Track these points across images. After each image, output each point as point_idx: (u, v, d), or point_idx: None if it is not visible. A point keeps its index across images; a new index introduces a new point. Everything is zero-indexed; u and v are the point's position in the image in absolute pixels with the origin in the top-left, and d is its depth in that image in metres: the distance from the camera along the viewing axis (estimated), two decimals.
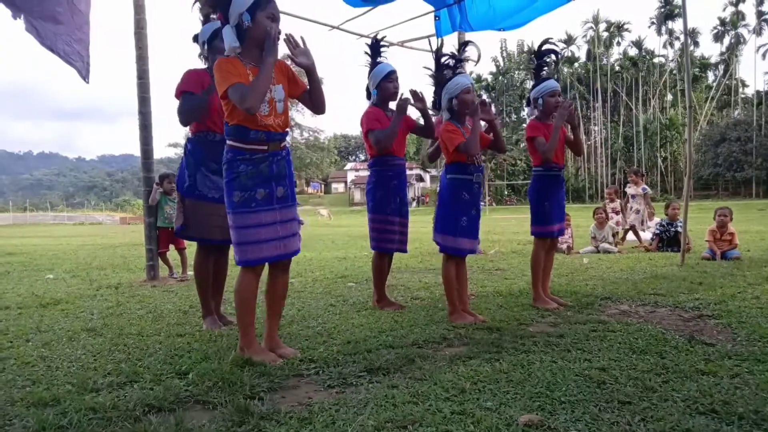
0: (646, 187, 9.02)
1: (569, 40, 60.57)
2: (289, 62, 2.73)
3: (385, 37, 4.00)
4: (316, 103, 2.72)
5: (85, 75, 4.55)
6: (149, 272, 5.70)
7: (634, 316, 3.47)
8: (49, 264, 7.72)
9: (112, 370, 2.43)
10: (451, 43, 8.41)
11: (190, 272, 6.14)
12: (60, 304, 4.22)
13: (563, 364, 2.42)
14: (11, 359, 2.67)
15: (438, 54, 3.55)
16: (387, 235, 3.83)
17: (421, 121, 3.91)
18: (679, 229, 7.44)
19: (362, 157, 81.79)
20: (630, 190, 9.03)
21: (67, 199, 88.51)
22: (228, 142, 2.57)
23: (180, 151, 59.16)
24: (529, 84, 64.30)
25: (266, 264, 2.66)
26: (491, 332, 3.06)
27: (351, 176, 69.86)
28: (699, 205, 27.34)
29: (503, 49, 62.61)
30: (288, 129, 2.67)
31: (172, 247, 6.14)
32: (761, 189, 49.01)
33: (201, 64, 3.43)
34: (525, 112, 3.99)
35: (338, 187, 73.64)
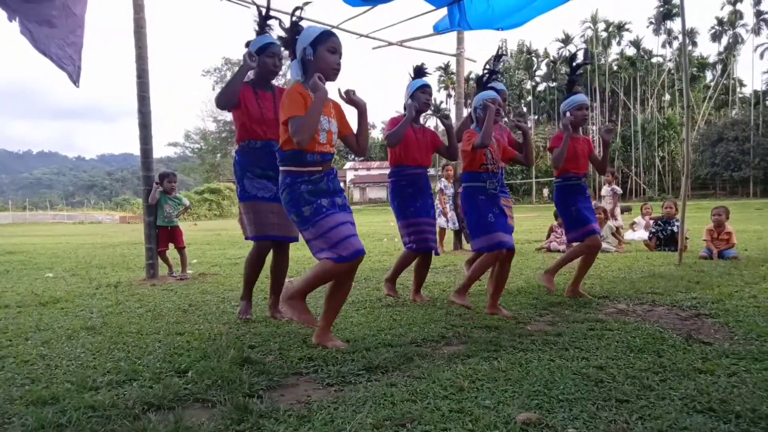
0: (616, 187, 9.24)
1: (567, 40, 60.61)
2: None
3: (424, 64, 4.15)
4: (362, 145, 2.95)
5: (75, 79, 4.57)
6: (149, 271, 5.70)
7: (631, 314, 3.49)
8: (48, 263, 7.71)
9: (112, 369, 2.43)
10: (450, 43, 8.39)
11: (190, 271, 6.16)
12: (59, 303, 4.22)
13: (561, 362, 2.43)
14: (10, 357, 2.67)
15: (490, 73, 3.79)
16: (415, 236, 4.04)
17: (445, 140, 4.18)
18: (676, 228, 7.46)
19: (362, 157, 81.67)
20: (603, 190, 9.25)
21: (66, 198, 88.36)
22: (283, 168, 2.76)
23: (179, 150, 59.23)
24: (529, 84, 64.55)
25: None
26: (489, 331, 3.07)
27: (350, 176, 69.82)
28: (697, 205, 27.39)
29: (503, 49, 62.54)
30: (334, 152, 2.89)
31: (171, 246, 6.14)
32: (759, 188, 49.10)
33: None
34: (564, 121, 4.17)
35: None
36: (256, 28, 3.54)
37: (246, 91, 3.44)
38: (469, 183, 3.64)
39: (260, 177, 3.43)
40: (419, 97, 3.99)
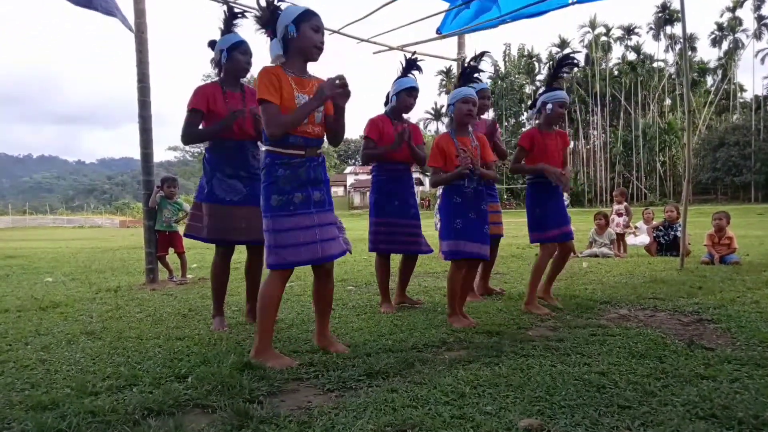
0: (626, 204, 9.37)
1: (563, 44, 60.70)
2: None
3: (415, 54, 4.10)
4: (336, 132, 2.79)
5: (129, 25, 4.84)
6: (148, 275, 5.70)
7: (633, 320, 3.47)
8: (48, 267, 7.71)
9: (112, 374, 2.42)
10: (451, 48, 8.43)
11: (190, 275, 6.15)
12: (59, 307, 4.21)
13: (563, 368, 2.42)
14: (10, 362, 2.66)
15: (469, 68, 3.66)
16: (382, 236, 3.94)
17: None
18: (678, 233, 7.45)
19: (351, 162, 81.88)
20: (615, 207, 9.30)
21: (66, 203, 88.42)
22: (266, 147, 2.65)
23: (179, 154, 59.27)
24: (528, 89, 64.64)
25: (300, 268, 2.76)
26: (491, 336, 3.06)
27: (350, 180, 69.89)
28: (698, 209, 27.37)
29: (506, 54, 62.82)
30: (323, 137, 2.77)
31: (171, 250, 6.14)
32: (760, 193, 49.06)
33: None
34: (525, 115, 4.08)
35: (338, 190, 73.56)
36: (221, 26, 3.45)
37: (214, 90, 3.35)
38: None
39: (231, 177, 3.32)
40: (405, 99, 3.86)
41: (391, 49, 7.73)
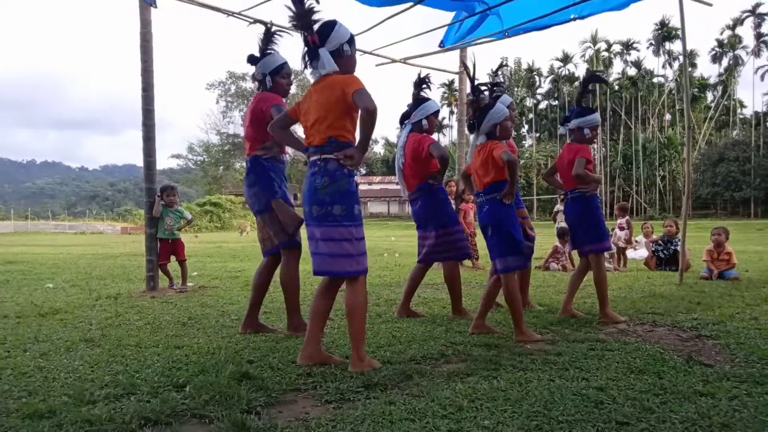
0: (628, 218, 9.38)
1: (566, 59, 61.08)
2: None
3: (429, 76, 4.25)
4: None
5: (151, 1, 4.93)
6: (149, 283, 5.70)
7: (632, 335, 3.47)
8: (49, 273, 7.70)
9: (110, 382, 2.42)
10: (453, 61, 8.49)
11: (190, 283, 6.15)
12: (59, 314, 4.21)
13: (561, 382, 2.41)
14: (8, 369, 2.66)
15: (473, 78, 3.67)
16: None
17: None
18: (677, 247, 7.45)
19: (363, 171, 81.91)
20: (618, 221, 9.36)
21: (68, 208, 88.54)
22: (333, 156, 2.66)
23: (182, 162, 59.32)
24: (529, 101, 64.92)
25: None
26: (489, 349, 3.06)
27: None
28: (697, 224, 27.37)
29: (504, 66, 62.90)
30: None
31: (173, 258, 6.13)
32: (760, 209, 49.08)
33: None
34: (561, 129, 4.24)
35: None
36: (261, 45, 3.55)
37: (280, 103, 3.45)
38: (496, 195, 3.46)
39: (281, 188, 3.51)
40: (433, 121, 4.16)
41: (393, 61, 7.78)
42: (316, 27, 2.73)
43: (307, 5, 2.71)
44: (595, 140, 4.21)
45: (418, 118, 4.11)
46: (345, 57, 2.75)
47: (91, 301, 4.95)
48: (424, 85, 4.18)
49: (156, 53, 5.72)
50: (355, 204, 2.71)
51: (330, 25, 2.74)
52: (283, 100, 3.58)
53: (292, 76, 3.64)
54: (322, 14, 2.75)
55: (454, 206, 8.46)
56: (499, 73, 4.18)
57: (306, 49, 2.74)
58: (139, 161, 5.81)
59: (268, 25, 3.65)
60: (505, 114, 3.55)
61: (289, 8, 2.73)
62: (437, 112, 4.18)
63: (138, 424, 1.96)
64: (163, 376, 2.50)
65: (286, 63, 3.53)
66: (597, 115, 4.12)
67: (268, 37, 3.55)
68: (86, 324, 3.83)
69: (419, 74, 4.20)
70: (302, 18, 2.72)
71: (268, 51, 3.56)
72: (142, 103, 5.65)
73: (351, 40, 2.78)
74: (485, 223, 3.52)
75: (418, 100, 4.16)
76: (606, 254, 8.03)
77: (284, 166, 3.59)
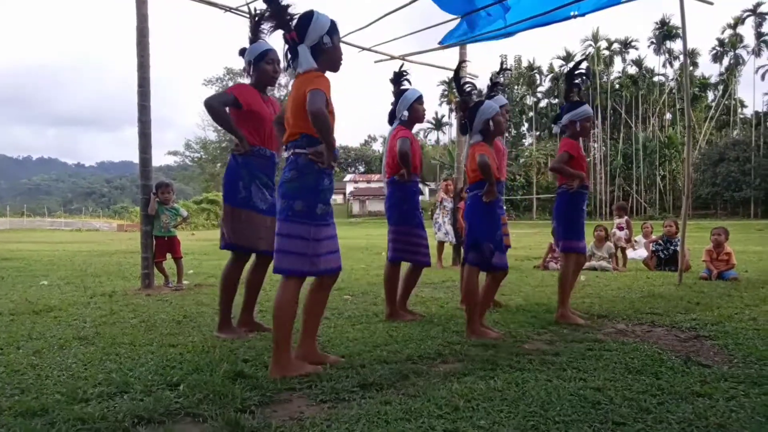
0: (627, 218, 9.34)
1: (568, 58, 61.05)
2: None
3: (403, 67, 4.17)
4: None
5: None
6: (144, 281, 5.67)
7: (630, 335, 3.46)
8: (44, 270, 7.67)
9: (103, 380, 2.40)
10: (452, 58, 8.45)
11: (186, 281, 6.12)
12: (53, 312, 4.18)
13: (558, 383, 2.40)
14: (1, 367, 2.64)
15: (458, 79, 3.64)
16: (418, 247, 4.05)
17: None
18: (677, 247, 7.44)
19: (361, 169, 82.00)
20: (616, 221, 9.35)
21: (65, 205, 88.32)
22: (304, 151, 2.57)
23: (179, 159, 59.22)
24: (529, 100, 64.91)
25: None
26: (486, 349, 3.04)
27: (350, 188, 69.91)
28: (697, 224, 27.38)
29: (503, 64, 62.95)
30: None
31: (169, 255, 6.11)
32: (760, 209, 49.14)
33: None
34: (554, 129, 4.19)
35: (337, 198, 73.64)
36: (250, 35, 3.48)
37: (255, 95, 3.41)
38: (478, 192, 3.49)
39: (264, 186, 3.40)
40: (418, 108, 4.01)
41: (392, 58, 7.76)
42: (293, 23, 2.61)
43: (282, 2, 2.60)
44: (590, 132, 4.15)
45: (401, 112, 4.01)
46: (327, 50, 2.61)
47: (86, 298, 4.92)
48: (402, 79, 4.09)
49: (153, 49, 5.69)
50: (318, 203, 2.57)
51: (307, 18, 2.59)
52: (268, 87, 3.56)
53: (279, 65, 3.49)
54: (299, 8, 2.63)
55: (451, 204, 8.48)
56: (501, 74, 4.14)
57: (287, 47, 2.63)
58: (135, 158, 5.78)
59: (254, 14, 3.60)
60: (494, 110, 3.53)
61: (271, 14, 2.65)
62: (419, 98, 4.02)
63: (131, 422, 1.94)
64: (157, 375, 2.48)
65: (271, 49, 3.44)
66: (587, 107, 4.04)
67: (257, 27, 3.47)
68: (80, 322, 3.80)
69: (395, 70, 4.11)
70: (278, 15, 2.61)
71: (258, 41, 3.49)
72: (138, 98, 5.61)
73: (332, 29, 2.62)
74: (465, 214, 3.60)
75: (398, 94, 4.07)
76: (606, 254, 8.08)
77: (267, 161, 3.44)
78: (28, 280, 6.39)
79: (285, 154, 2.67)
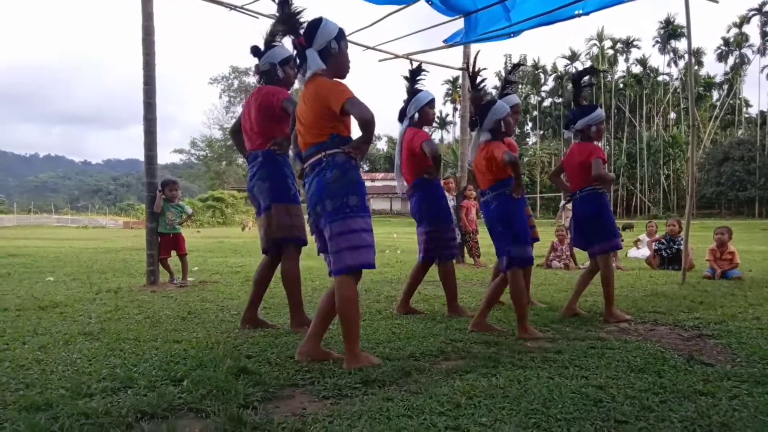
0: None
1: (573, 57, 60.90)
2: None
3: (421, 65, 4.22)
4: None
5: None
6: (149, 277, 5.70)
7: (633, 333, 3.45)
8: (50, 266, 7.72)
9: (107, 375, 2.42)
10: (457, 57, 8.46)
11: (191, 278, 6.15)
12: (59, 307, 4.21)
13: (560, 380, 2.40)
14: (6, 362, 2.66)
15: (473, 76, 3.62)
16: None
17: None
18: (680, 246, 7.42)
19: (366, 168, 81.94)
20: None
21: (71, 203, 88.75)
22: (339, 150, 2.63)
23: (185, 157, 59.37)
24: (534, 99, 64.75)
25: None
26: (489, 346, 3.05)
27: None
28: (701, 224, 27.28)
29: (507, 64, 63.06)
30: None
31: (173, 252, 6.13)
32: (764, 209, 48.93)
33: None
34: (566, 134, 4.21)
35: None
36: (267, 37, 3.50)
37: (290, 97, 3.44)
38: (505, 190, 3.46)
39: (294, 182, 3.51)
40: (428, 112, 4.06)
41: (397, 57, 7.75)
42: (303, 28, 2.69)
43: (292, 8, 2.68)
44: (602, 136, 4.18)
45: (412, 113, 4.06)
46: (334, 55, 2.68)
47: (92, 294, 4.95)
48: (418, 77, 4.12)
49: (159, 47, 5.71)
50: (366, 195, 2.71)
51: (315, 24, 2.67)
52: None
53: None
54: (309, 14, 2.71)
55: (454, 203, 8.48)
56: (514, 72, 4.15)
57: (296, 52, 2.71)
58: (141, 156, 5.80)
59: (238, 9, 3.65)
60: (506, 110, 3.53)
61: (277, 12, 2.72)
62: (431, 102, 4.08)
63: (134, 417, 1.95)
64: (161, 370, 2.49)
65: (293, 56, 3.50)
66: (600, 111, 4.08)
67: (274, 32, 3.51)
68: (86, 317, 3.83)
69: (411, 66, 4.15)
70: (288, 21, 2.70)
71: (275, 44, 3.52)
72: (143, 96, 5.63)
73: (340, 36, 2.69)
74: (493, 217, 3.50)
75: (412, 94, 4.11)
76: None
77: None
78: (34, 277, 6.43)
79: (315, 158, 2.66)
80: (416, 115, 4.04)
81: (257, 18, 6.00)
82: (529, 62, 63.93)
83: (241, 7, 5.88)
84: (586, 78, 4.15)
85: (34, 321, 3.67)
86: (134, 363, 2.63)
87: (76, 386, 2.24)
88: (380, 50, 7.47)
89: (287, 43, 3.48)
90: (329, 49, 2.66)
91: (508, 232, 3.44)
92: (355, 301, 2.65)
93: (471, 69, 3.62)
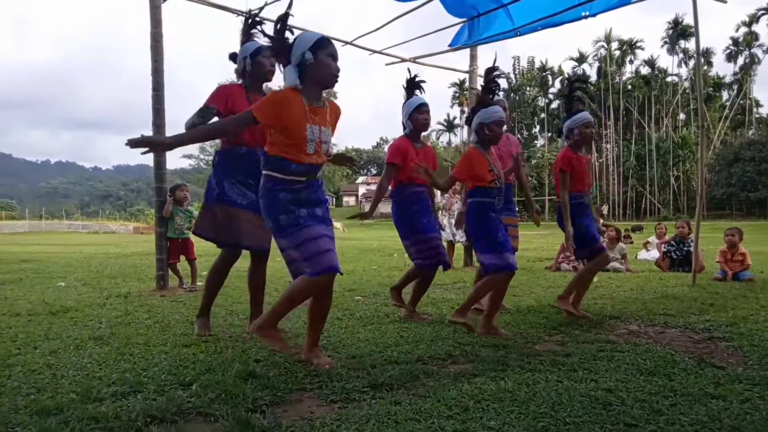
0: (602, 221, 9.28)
1: (581, 59, 60.69)
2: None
3: (417, 76, 4.14)
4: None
5: None
6: (159, 282, 5.73)
7: (643, 336, 3.43)
8: (61, 272, 7.79)
9: (117, 380, 2.43)
10: (463, 60, 8.47)
11: (200, 282, 6.17)
12: (69, 312, 4.25)
13: (569, 384, 2.39)
14: (18, 366, 2.69)
15: (488, 76, 3.61)
16: (428, 252, 4.00)
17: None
18: (690, 248, 7.36)
19: (374, 171, 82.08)
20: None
21: (82, 208, 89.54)
22: (266, 171, 2.68)
23: (194, 162, 59.75)
24: (541, 101, 64.53)
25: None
26: (497, 349, 3.04)
27: (362, 190, 70.01)
28: (712, 225, 27.03)
29: (515, 66, 62.97)
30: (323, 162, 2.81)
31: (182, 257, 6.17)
32: None
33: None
34: (560, 142, 4.17)
35: (349, 200, 73.83)
36: (241, 37, 3.48)
37: (239, 92, 3.37)
38: (478, 198, 3.53)
39: (241, 183, 3.33)
40: (417, 118, 3.93)
41: (403, 60, 7.77)
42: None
43: (285, 41, 2.65)
44: (592, 139, 4.12)
45: (403, 122, 4.00)
46: (310, 66, 2.61)
47: (102, 299, 4.99)
48: (414, 86, 4.03)
49: (167, 53, 5.76)
50: (278, 215, 2.72)
51: (293, 41, 2.65)
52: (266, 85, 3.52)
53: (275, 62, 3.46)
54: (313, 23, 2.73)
55: (458, 204, 8.45)
56: (495, 74, 4.01)
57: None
58: (151, 161, 5.84)
59: (247, 15, 3.60)
60: (493, 117, 3.47)
61: (269, 44, 2.72)
62: (419, 107, 3.93)
63: (144, 421, 1.96)
64: (170, 375, 2.51)
65: (266, 46, 3.34)
66: (585, 113, 4.03)
67: (249, 29, 3.48)
68: (96, 322, 3.86)
69: (408, 77, 4.06)
70: (281, 52, 2.68)
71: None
72: (152, 102, 5.68)
73: (317, 46, 2.61)
74: (468, 223, 3.60)
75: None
76: (618, 255, 8.01)
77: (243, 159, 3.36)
78: (45, 282, 6.49)
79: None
80: (408, 123, 3.97)
81: (264, 24, 6.03)
82: (537, 64, 63.78)
83: (248, 12, 5.92)
84: (576, 87, 4.14)
85: (45, 326, 3.71)
86: (144, 367, 2.65)
87: (87, 390, 2.26)
88: (387, 54, 7.49)
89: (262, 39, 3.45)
90: (304, 61, 2.61)
91: (481, 240, 3.47)
92: (300, 300, 2.71)
93: (488, 73, 3.61)
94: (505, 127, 3.65)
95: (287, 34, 2.67)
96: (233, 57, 3.50)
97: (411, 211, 3.98)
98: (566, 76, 58.63)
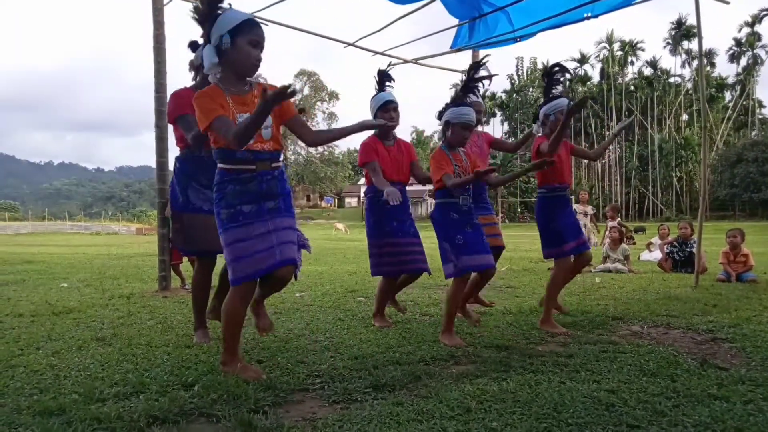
0: (620, 220, 9.26)
1: (583, 60, 60.64)
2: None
3: (391, 64, 4.04)
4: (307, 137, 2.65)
5: None
6: (161, 283, 5.74)
7: (645, 337, 3.42)
8: (64, 273, 7.80)
9: (119, 381, 2.44)
10: (465, 61, 8.46)
11: None
12: (72, 313, 4.26)
13: (572, 385, 2.38)
14: (21, 367, 2.69)
15: (470, 74, 3.55)
16: (386, 258, 3.77)
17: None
18: (693, 249, 7.34)
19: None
20: (609, 223, 9.26)
21: (85, 209, 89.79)
22: (218, 165, 2.54)
23: None
24: None
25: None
26: (500, 350, 3.03)
27: (364, 188, 69.94)
28: (715, 226, 26.94)
29: (519, 67, 62.95)
30: (280, 150, 2.57)
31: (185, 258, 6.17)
32: None
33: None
34: (534, 128, 3.98)
35: (351, 201, 73.87)
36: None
37: (187, 95, 3.17)
38: (441, 199, 3.36)
39: (206, 187, 3.19)
40: (382, 116, 3.65)
41: (405, 62, 7.78)
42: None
43: (213, 10, 2.39)
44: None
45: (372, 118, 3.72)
46: (226, 51, 2.37)
47: (104, 300, 5.00)
48: (385, 79, 3.83)
49: (170, 55, 5.77)
50: (221, 209, 2.57)
51: (215, 16, 2.38)
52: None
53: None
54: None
55: None
56: (479, 71, 3.86)
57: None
58: (153, 162, 5.85)
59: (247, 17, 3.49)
60: (460, 118, 3.29)
61: (194, 14, 2.44)
62: (383, 105, 3.69)
63: (146, 422, 1.97)
64: (173, 375, 2.51)
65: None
66: (563, 99, 3.77)
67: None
68: (98, 323, 3.86)
69: (380, 68, 3.85)
70: (203, 24, 2.42)
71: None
72: (155, 104, 5.69)
73: (237, 30, 2.35)
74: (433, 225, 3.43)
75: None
76: (620, 256, 8.00)
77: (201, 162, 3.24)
78: (48, 283, 6.50)
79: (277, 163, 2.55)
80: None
81: (266, 25, 6.05)
82: (539, 65, 63.68)
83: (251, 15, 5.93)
84: (557, 71, 3.87)
85: (48, 326, 3.72)
86: (146, 368, 2.65)
87: (89, 391, 2.26)
88: (389, 55, 7.49)
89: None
90: (220, 44, 2.36)
91: (441, 247, 3.34)
92: (234, 313, 2.57)
93: (469, 73, 3.57)
94: (481, 127, 3.45)
95: (225, 3, 2.42)
96: (193, 47, 3.32)
97: (383, 212, 3.73)
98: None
